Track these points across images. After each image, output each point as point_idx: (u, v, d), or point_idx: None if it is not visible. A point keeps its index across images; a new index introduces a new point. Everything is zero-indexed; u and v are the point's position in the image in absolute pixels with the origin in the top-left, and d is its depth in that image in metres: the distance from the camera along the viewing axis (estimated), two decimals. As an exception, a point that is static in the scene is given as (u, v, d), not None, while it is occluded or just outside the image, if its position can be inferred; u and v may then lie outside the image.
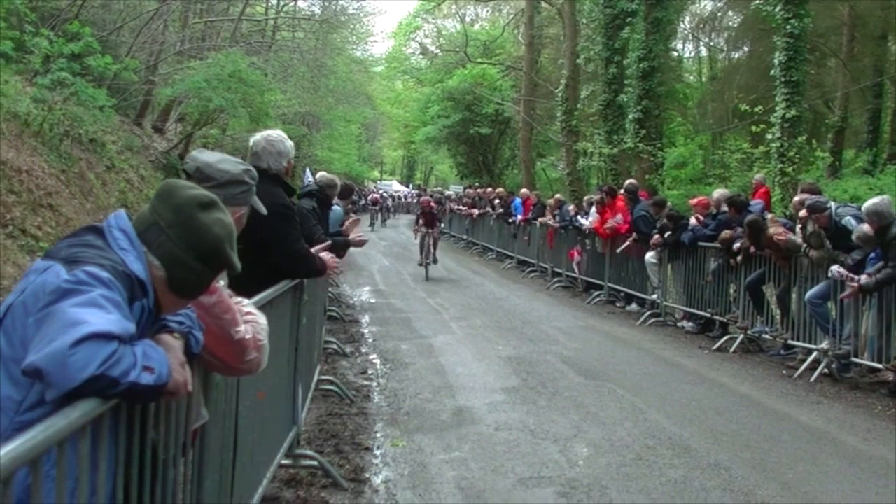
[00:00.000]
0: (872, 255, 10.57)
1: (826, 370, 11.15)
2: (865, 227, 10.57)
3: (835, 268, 10.72)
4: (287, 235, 5.94)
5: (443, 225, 30.24)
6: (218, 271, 2.99)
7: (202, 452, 3.57)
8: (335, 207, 12.42)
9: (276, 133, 6.39)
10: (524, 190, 28.40)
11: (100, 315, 2.40)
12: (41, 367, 2.28)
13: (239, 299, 3.49)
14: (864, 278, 10.28)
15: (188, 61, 27.39)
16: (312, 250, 6.60)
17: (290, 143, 6.33)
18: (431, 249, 23.23)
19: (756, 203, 14.22)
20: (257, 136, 6.25)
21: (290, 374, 6.67)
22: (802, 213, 11.64)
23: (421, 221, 23.85)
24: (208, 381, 3.47)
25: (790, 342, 12.33)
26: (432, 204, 25.52)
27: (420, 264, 23.11)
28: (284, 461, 6.60)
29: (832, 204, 11.73)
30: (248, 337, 3.26)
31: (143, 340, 2.55)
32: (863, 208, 10.66)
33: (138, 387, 2.40)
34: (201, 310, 3.13)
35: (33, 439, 2.03)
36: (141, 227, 2.87)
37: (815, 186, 13.66)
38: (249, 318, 3.40)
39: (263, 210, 4.44)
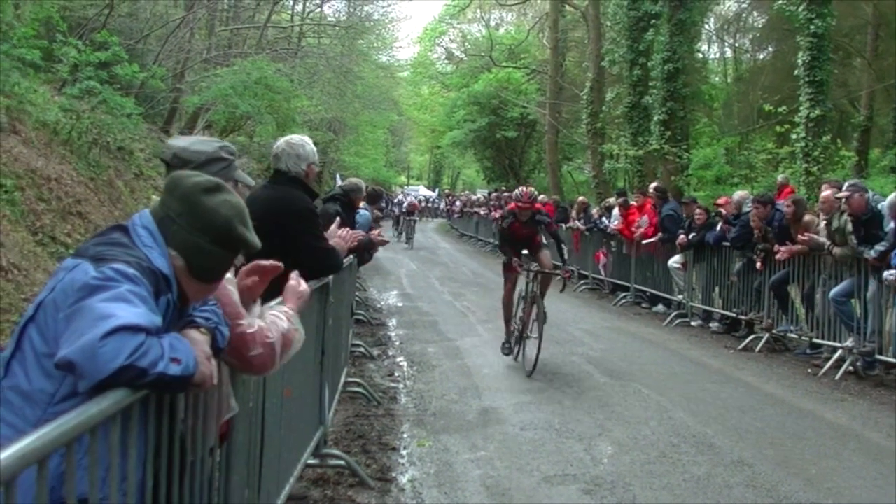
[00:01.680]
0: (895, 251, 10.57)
1: (851, 368, 11.18)
2: None
3: (889, 273, 10.59)
4: (307, 234, 6.05)
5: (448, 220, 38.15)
6: (234, 251, 3.08)
7: (230, 447, 3.66)
8: (363, 212, 12.54)
9: (299, 137, 6.55)
10: (542, 196, 28.44)
11: (127, 309, 2.52)
12: (73, 359, 2.40)
13: (273, 306, 3.61)
14: None
15: (214, 69, 27.60)
16: (333, 239, 6.72)
17: (310, 148, 6.45)
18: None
19: (782, 203, 14.24)
20: (280, 141, 6.45)
21: (317, 375, 6.77)
22: (841, 194, 11.54)
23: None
24: (235, 375, 3.56)
25: (815, 341, 12.34)
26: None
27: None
28: (311, 461, 6.69)
29: (870, 191, 11.76)
30: (250, 331, 3.30)
31: (169, 334, 2.66)
32: (889, 198, 10.69)
33: (166, 377, 2.50)
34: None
35: (66, 425, 2.12)
36: (156, 220, 2.98)
37: (839, 182, 13.67)
38: (271, 317, 3.49)
39: (250, 181, 4.50)
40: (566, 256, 12.94)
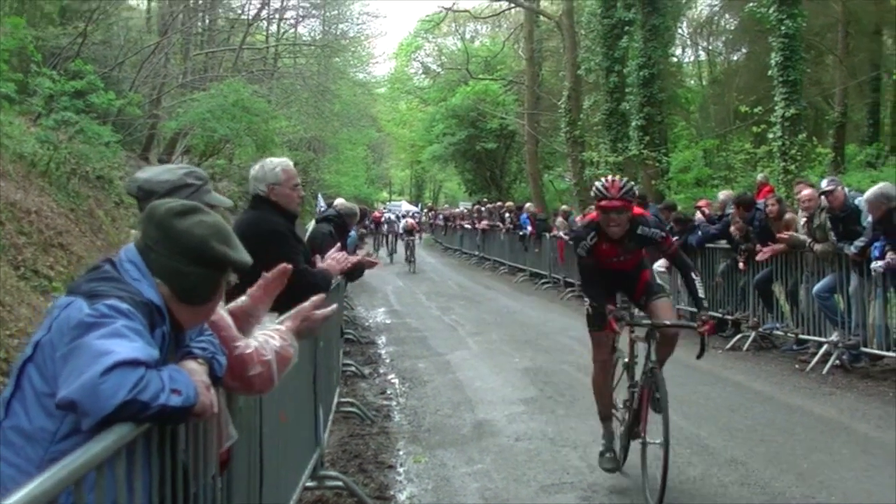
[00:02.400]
0: (877, 243, 10.68)
1: (837, 361, 11.33)
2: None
3: (877, 264, 10.68)
4: (279, 257, 6.00)
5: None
6: (218, 269, 3.07)
7: (230, 474, 3.70)
8: (350, 235, 12.63)
9: (270, 159, 6.63)
10: (528, 204, 28.56)
11: (124, 344, 2.56)
12: (74, 398, 2.44)
13: (271, 324, 3.66)
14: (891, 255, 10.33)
15: (191, 93, 27.63)
16: (322, 264, 6.75)
17: (269, 169, 6.46)
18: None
19: (762, 202, 14.36)
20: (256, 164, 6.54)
21: (311, 397, 6.81)
22: (824, 190, 11.67)
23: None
24: (233, 403, 3.60)
25: (801, 337, 12.47)
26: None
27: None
28: (309, 483, 6.71)
29: (847, 189, 11.89)
30: (248, 352, 3.34)
31: (168, 366, 2.71)
32: (867, 193, 10.79)
33: (168, 409, 2.54)
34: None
35: (73, 464, 2.17)
36: (140, 252, 3.01)
37: (810, 183, 13.84)
38: (263, 336, 3.54)
39: (227, 202, 4.56)
40: (702, 294, 7.55)
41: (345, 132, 45.59)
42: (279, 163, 6.53)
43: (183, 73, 29.95)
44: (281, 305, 5.38)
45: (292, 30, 42.82)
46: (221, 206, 4.34)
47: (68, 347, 2.57)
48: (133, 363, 2.49)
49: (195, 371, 2.82)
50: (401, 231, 36.62)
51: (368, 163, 71.64)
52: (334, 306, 4.28)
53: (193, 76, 30.34)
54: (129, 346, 2.55)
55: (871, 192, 10.70)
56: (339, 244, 8.07)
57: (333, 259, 6.97)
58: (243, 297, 3.68)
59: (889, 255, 10.28)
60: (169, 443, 2.85)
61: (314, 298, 4.06)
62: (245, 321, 3.56)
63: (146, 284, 2.91)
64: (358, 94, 48.32)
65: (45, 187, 15.79)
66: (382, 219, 43.16)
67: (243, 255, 3.13)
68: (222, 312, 3.39)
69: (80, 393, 2.43)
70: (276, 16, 40.59)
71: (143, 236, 3.04)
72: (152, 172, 4.10)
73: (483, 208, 35.90)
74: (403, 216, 40.98)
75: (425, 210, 51.07)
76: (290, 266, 3.78)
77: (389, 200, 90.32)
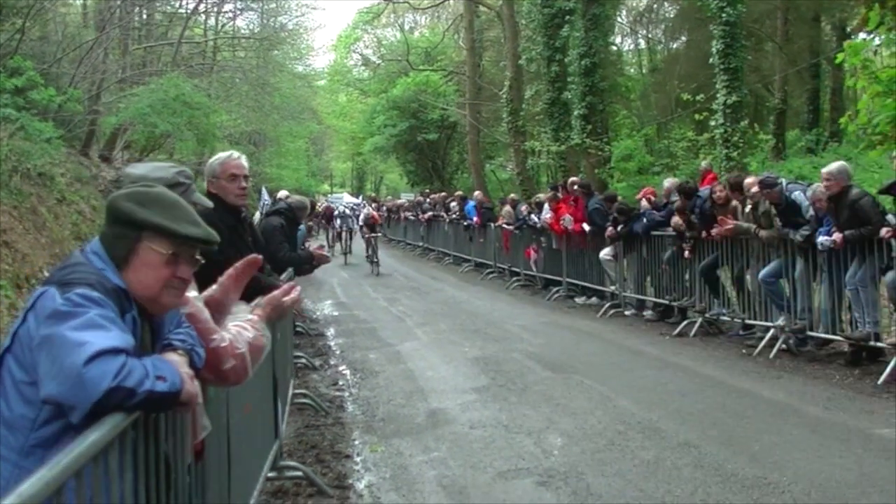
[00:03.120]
0: (821, 229, 10.88)
1: (784, 346, 11.50)
2: (820, 188, 10.86)
3: (825, 238, 10.82)
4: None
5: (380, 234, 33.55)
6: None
7: (203, 464, 3.73)
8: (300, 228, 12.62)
9: (219, 154, 6.66)
10: (477, 193, 28.59)
11: (100, 334, 2.59)
12: (59, 393, 2.48)
13: (242, 313, 3.69)
14: (847, 232, 10.45)
15: (131, 88, 27.35)
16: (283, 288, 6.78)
17: (211, 162, 6.53)
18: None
19: (705, 189, 14.54)
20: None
21: (271, 389, 6.82)
22: (755, 189, 11.89)
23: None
24: (204, 394, 3.62)
25: (748, 322, 12.66)
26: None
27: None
28: (270, 474, 6.74)
29: (782, 181, 12.06)
30: (223, 345, 3.38)
31: (151, 355, 2.75)
32: (822, 171, 10.91)
33: (155, 394, 2.59)
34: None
35: (74, 453, 2.20)
36: (105, 243, 3.04)
37: (745, 175, 14.04)
38: (235, 329, 3.57)
39: (208, 203, 4.62)
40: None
41: (285, 125, 45.37)
42: (219, 156, 6.56)
43: (122, 68, 29.57)
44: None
45: (231, 23, 42.54)
46: (203, 206, 4.38)
47: (43, 337, 2.59)
48: (112, 351, 2.52)
49: (177, 362, 2.85)
50: (360, 225, 31.13)
51: (310, 155, 71.38)
52: (298, 289, 4.30)
53: (133, 71, 30.02)
54: (106, 335, 2.58)
55: (825, 169, 10.82)
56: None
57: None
58: (214, 287, 3.71)
59: (835, 234, 10.46)
60: (152, 433, 2.88)
61: (285, 287, 4.12)
62: (217, 311, 3.58)
63: (110, 271, 2.93)
64: (298, 86, 48.07)
65: (-14, 185, 15.59)
66: (336, 213, 35.06)
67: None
68: (199, 304, 3.42)
69: (64, 386, 2.46)
70: (215, 9, 40.24)
71: (106, 226, 3.08)
72: (145, 169, 4.16)
73: (427, 199, 35.60)
74: (359, 207, 35.13)
75: (371, 202, 50.35)
76: (259, 257, 3.82)
77: (331, 192, 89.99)
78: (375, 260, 26.96)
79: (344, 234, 33.45)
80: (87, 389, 2.46)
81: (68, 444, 2.30)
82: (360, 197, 68.11)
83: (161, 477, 2.99)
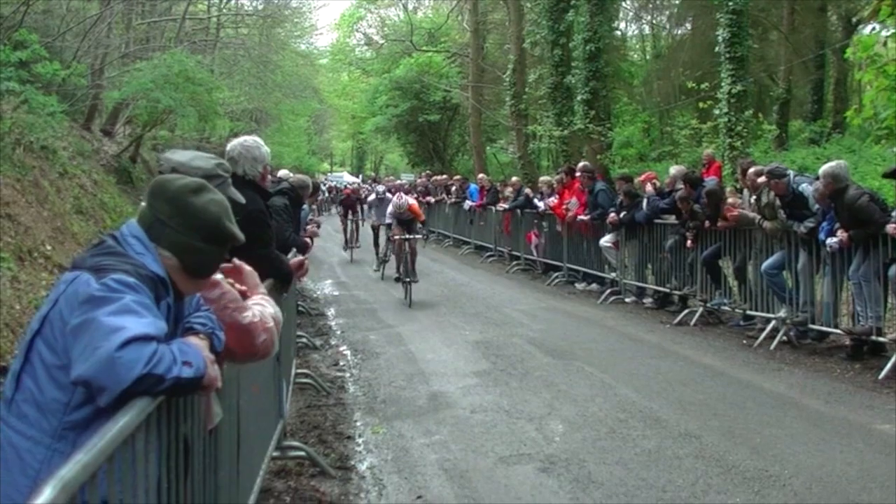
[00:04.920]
0: (824, 223, 10.89)
1: (785, 338, 11.51)
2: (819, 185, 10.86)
3: (832, 240, 10.82)
4: (258, 239, 6.02)
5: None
6: (224, 245, 3.22)
7: (217, 444, 3.76)
8: (303, 207, 12.60)
9: (252, 139, 6.59)
10: (482, 175, 28.53)
11: (135, 320, 2.61)
12: (91, 375, 2.50)
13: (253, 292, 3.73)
14: (846, 235, 10.47)
15: (134, 63, 27.27)
16: (292, 262, 6.79)
17: (265, 150, 6.53)
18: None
19: (710, 179, 14.56)
20: (234, 142, 6.47)
21: (275, 369, 6.84)
22: (762, 179, 11.89)
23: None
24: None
25: (749, 313, 12.67)
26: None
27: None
28: (274, 453, 6.77)
29: (790, 172, 12.06)
30: (256, 320, 3.47)
31: (175, 340, 2.77)
32: (820, 171, 10.92)
33: (182, 380, 2.63)
34: (210, 303, 3.35)
35: (106, 437, 2.23)
36: (145, 225, 3.10)
37: (753, 162, 14.04)
38: (256, 305, 3.61)
39: (241, 199, 4.65)
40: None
41: (287, 103, 45.33)
42: (258, 142, 6.57)
43: (126, 43, 29.48)
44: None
45: (235, 0, 42.41)
46: (236, 200, 4.43)
47: (79, 321, 2.62)
48: (145, 338, 2.55)
49: (199, 346, 2.87)
50: (387, 222, 19.31)
51: (310, 134, 71.28)
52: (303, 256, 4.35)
53: (136, 46, 29.94)
54: (140, 321, 2.61)
55: (823, 168, 10.84)
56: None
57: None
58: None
59: (840, 233, 10.46)
60: (174, 415, 2.90)
61: (294, 260, 4.19)
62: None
63: (150, 258, 2.98)
64: (300, 64, 48.02)
65: (-11, 158, 15.56)
66: (371, 197, 23.98)
67: (240, 233, 3.26)
68: (226, 285, 3.46)
69: (97, 370, 2.48)
70: (219, -15, 40.17)
71: (150, 209, 3.11)
72: (186, 157, 4.23)
73: (429, 182, 35.28)
74: (391, 191, 22.49)
75: (369, 181, 49.69)
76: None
77: (331, 171, 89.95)
78: (409, 279, 16.71)
79: (351, 224, 26.26)
80: (119, 374, 2.49)
81: (98, 427, 2.32)
82: (360, 176, 67.86)
83: (180, 457, 3.02)
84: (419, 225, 18.26)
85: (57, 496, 1.87)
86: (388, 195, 20.83)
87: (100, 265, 2.81)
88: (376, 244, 22.30)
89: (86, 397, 2.65)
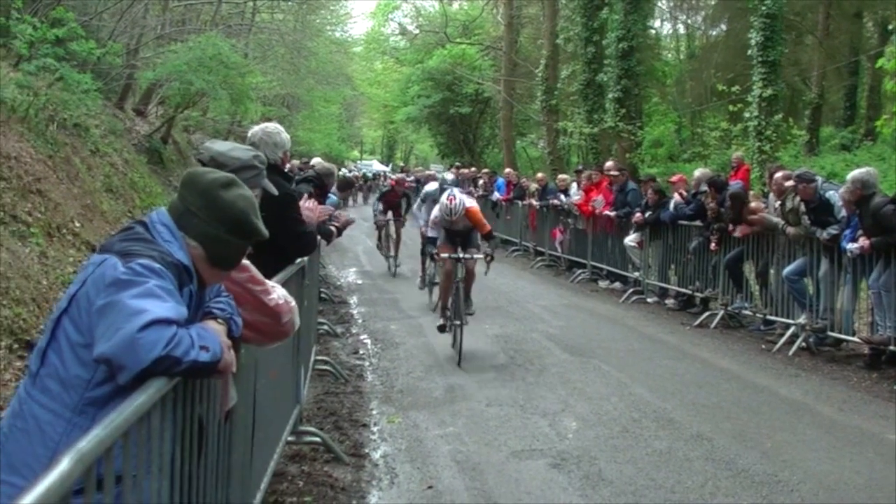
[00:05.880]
0: (847, 230, 10.90)
1: (804, 344, 11.51)
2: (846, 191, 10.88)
3: (853, 245, 10.85)
4: (290, 219, 6.26)
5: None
6: (249, 240, 3.34)
7: (231, 426, 3.87)
8: (332, 197, 12.68)
9: (273, 125, 6.82)
10: (508, 170, 28.54)
11: (157, 303, 2.73)
12: (112, 354, 2.63)
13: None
14: (874, 238, 10.42)
15: (169, 45, 27.46)
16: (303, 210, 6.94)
17: (286, 136, 6.72)
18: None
19: (735, 183, 14.55)
20: (255, 129, 6.68)
21: (294, 355, 6.95)
22: (790, 183, 11.90)
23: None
24: (238, 362, 3.78)
25: (769, 317, 12.68)
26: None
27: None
28: (289, 438, 6.88)
29: (819, 178, 12.07)
30: (281, 302, 3.64)
31: (194, 324, 2.88)
32: (849, 176, 10.94)
33: (198, 363, 2.75)
34: (237, 286, 3.50)
35: (123, 414, 2.34)
36: (175, 215, 3.22)
37: (782, 167, 14.05)
38: (278, 289, 3.75)
39: (274, 190, 4.82)
40: (490, 249, 11.79)
41: (319, 90, 45.44)
42: (279, 128, 6.77)
43: (161, 24, 29.66)
44: (277, 263, 5.59)
45: (272, -15, 42.55)
46: (269, 192, 4.64)
47: (104, 302, 2.74)
48: (166, 321, 2.67)
49: (217, 331, 2.99)
50: (431, 233, 12.55)
51: (341, 121, 71.46)
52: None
53: (172, 28, 30.09)
54: (162, 305, 2.73)
55: (852, 174, 10.85)
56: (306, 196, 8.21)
57: (308, 209, 7.11)
58: None
59: (861, 240, 10.47)
60: (189, 396, 3.01)
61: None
62: None
63: (176, 246, 3.10)
64: (334, 52, 48.09)
65: (24, 133, 15.70)
66: (424, 191, 17.17)
67: (265, 229, 3.38)
68: (253, 269, 3.61)
69: (118, 349, 2.60)
70: (257, -29, 40.30)
71: (181, 200, 3.23)
72: (225, 147, 4.40)
73: (458, 175, 35.26)
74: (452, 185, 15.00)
75: (400, 171, 49.54)
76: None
77: (360, 159, 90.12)
78: (458, 322, 11.33)
79: (389, 227, 20.22)
80: (139, 354, 2.61)
81: (117, 404, 2.43)
82: (390, 166, 67.88)
83: (195, 437, 3.14)
84: (481, 240, 12.41)
85: (74, 467, 1.97)
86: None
87: (127, 250, 2.93)
88: (425, 254, 14.96)
89: (107, 375, 2.76)
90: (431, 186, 16.25)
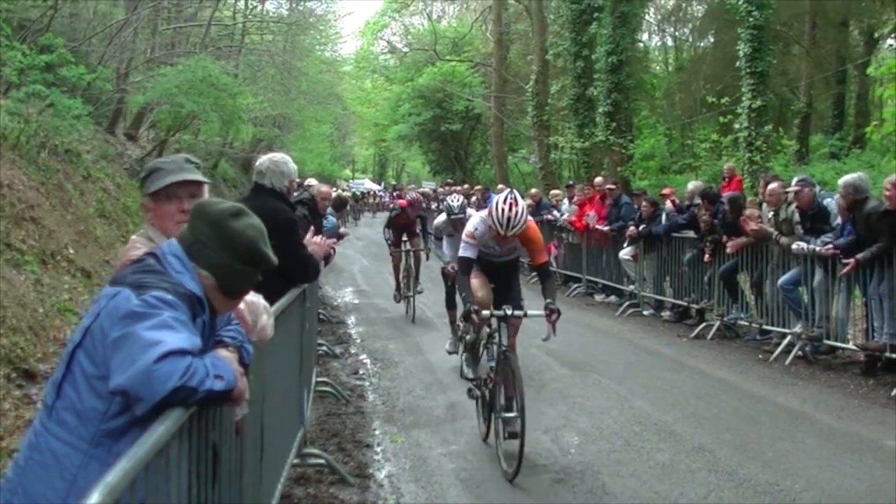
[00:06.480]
0: (842, 237, 10.98)
1: (800, 353, 11.56)
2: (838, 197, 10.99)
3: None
4: (291, 243, 6.39)
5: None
6: (258, 267, 3.38)
7: (242, 449, 3.91)
8: (330, 218, 12.75)
9: (281, 156, 7.18)
10: (501, 186, 28.61)
11: (172, 335, 2.78)
12: (129, 386, 2.68)
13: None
14: (859, 255, 10.51)
15: (159, 68, 27.49)
16: (307, 242, 7.13)
17: (293, 166, 7.08)
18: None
19: (728, 194, 14.63)
20: (264, 158, 7.08)
21: (297, 377, 6.99)
22: (792, 188, 11.96)
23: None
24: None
25: (765, 327, 12.74)
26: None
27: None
28: (294, 461, 6.91)
29: (817, 186, 12.16)
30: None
31: (208, 353, 2.93)
32: (840, 182, 11.04)
33: (213, 393, 2.81)
34: None
35: (145, 447, 2.39)
36: (185, 246, 3.27)
37: (776, 176, 14.14)
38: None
39: None
40: (551, 298, 8.25)
41: (310, 110, 45.47)
42: (286, 159, 7.11)
43: (151, 47, 29.73)
44: (279, 287, 5.65)
45: (260, 6, 42.62)
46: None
47: (119, 334, 2.78)
48: (181, 352, 2.72)
49: (229, 359, 3.05)
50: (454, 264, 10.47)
51: (333, 140, 71.51)
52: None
53: (161, 51, 30.14)
54: (177, 336, 2.78)
55: (843, 179, 10.95)
56: (312, 229, 8.36)
57: (315, 244, 7.29)
58: None
59: (847, 260, 10.57)
60: (204, 424, 3.06)
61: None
62: None
63: (188, 277, 3.15)
64: (324, 71, 48.15)
65: (15, 160, 15.71)
66: (438, 219, 13.46)
67: (274, 256, 3.43)
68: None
69: (135, 381, 2.65)
70: (245, -8, 40.42)
71: (192, 230, 3.29)
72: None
73: (448, 190, 35.31)
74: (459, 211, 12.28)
75: (391, 189, 49.43)
76: None
77: (352, 178, 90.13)
78: (514, 416, 7.39)
79: (407, 259, 16.91)
80: (155, 386, 2.66)
81: (134, 436, 2.49)
82: (382, 184, 67.85)
83: (209, 464, 3.18)
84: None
85: (103, 501, 2.03)
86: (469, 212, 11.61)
87: (140, 282, 2.98)
88: (451, 304, 12.47)
89: (123, 407, 2.81)
90: (440, 219, 12.95)
